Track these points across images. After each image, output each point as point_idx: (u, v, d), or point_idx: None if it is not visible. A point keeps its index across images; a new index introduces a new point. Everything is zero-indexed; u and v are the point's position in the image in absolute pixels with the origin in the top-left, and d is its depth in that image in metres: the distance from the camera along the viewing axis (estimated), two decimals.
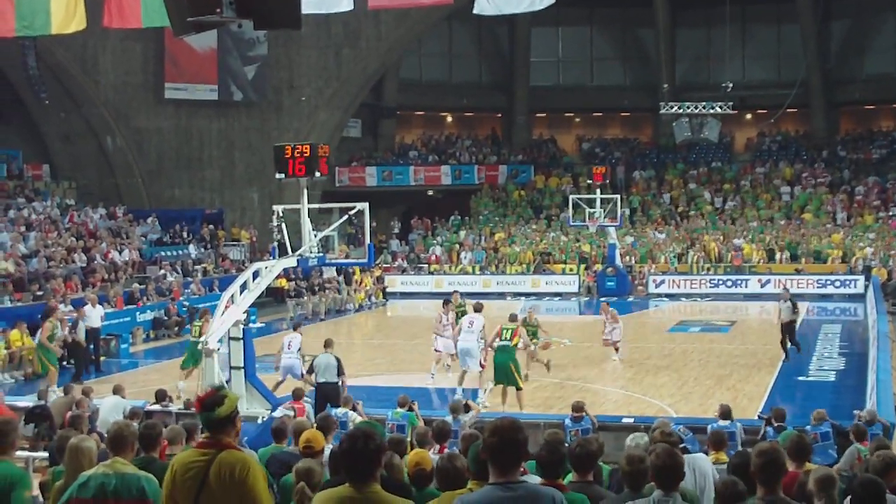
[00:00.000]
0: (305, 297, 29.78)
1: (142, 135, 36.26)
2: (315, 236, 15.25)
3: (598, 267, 34.54)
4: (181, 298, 27.08)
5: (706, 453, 8.32)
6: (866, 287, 29.74)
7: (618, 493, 5.49)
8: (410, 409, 12.29)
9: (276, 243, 15.41)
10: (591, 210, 32.89)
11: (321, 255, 15.69)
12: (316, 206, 19.39)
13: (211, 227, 35.52)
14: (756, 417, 12.83)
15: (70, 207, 32.25)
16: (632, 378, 18.58)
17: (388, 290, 33.90)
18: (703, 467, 7.33)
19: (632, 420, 13.39)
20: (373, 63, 38.56)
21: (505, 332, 15.08)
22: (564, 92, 46.54)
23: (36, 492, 7.28)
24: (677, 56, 45.26)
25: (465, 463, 5.34)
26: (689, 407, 15.63)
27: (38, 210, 30.38)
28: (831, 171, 40.93)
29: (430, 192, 43.97)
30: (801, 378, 18.37)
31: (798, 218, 38.09)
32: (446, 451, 8.31)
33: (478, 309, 16.71)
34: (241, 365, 13.77)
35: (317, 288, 30.43)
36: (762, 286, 32.39)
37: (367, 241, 16.84)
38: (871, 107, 44.19)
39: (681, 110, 37.26)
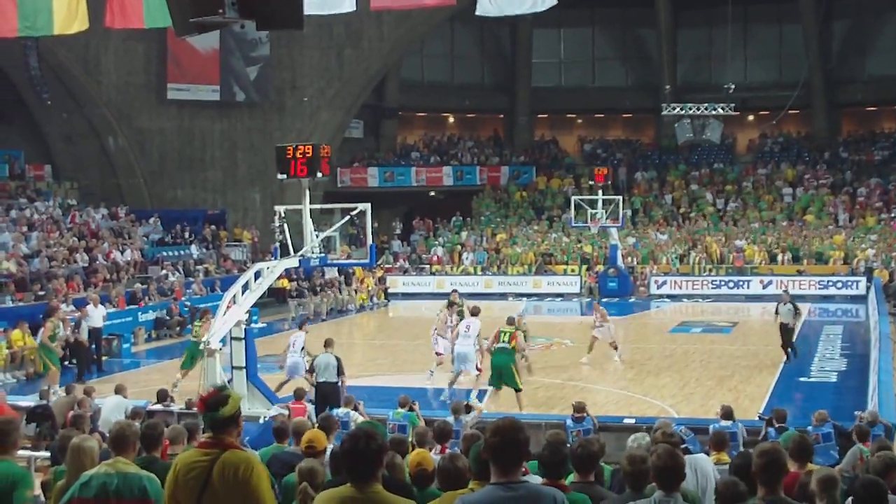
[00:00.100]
0: (307, 298, 29.79)
1: (144, 135, 36.29)
2: (317, 237, 15.28)
3: (600, 268, 34.55)
4: (183, 298, 27.10)
5: (707, 454, 8.32)
6: (868, 288, 29.74)
7: (619, 494, 5.49)
8: (411, 410, 12.30)
9: (277, 244, 15.43)
10: (593, 211, 32.90)
11: (323, 255, 15.72)
12: (318, 206, 19.28)
13: (213, 227, 35.55)
14: (756, 418, 12.82)
15: (72, 207, 32.28)
16: (633, 379, 18.58)
17: (389, 290, 33.92)
18: (705, 468, 7.33)
19: (633, 420, 13.38)
20: (375, 64, 38.58)
21: (502, 335, 15.08)
22: (566, 93, 46.55)
23: (38, 491, 7.27)
24: (679, 57, 45.26)
25: (467, 463, 5.35)
26: (691, 407, 15.63)
27: (40, 210, 30.41)
28: (833, 173, 40.91)
29: (432, 193, 43.98)
30: (802, 379, 18.36)
31: (800, 219, 38.09)
32: (448, 451, 8.32)
33: (475, 313, 16.69)
34: (243, 365, 13.80)
35: (318, 288, 30.45)
36: (764, 287, 32.37)
37: (369, 241, 16.88)
38: (873, 108, 44.16)
39: (682, 111, 37.26)
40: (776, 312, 19.80)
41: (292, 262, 14.89)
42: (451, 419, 11.25)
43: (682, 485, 5.01)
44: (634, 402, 16.19)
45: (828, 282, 32.45)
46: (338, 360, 14.29)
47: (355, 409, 12.26)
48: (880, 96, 42.49)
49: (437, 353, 18.23)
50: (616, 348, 20.04)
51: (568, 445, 6.22)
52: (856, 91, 43.30)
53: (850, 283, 32.22)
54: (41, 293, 23.59)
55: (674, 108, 37.68)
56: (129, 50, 34.76)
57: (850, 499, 4.92)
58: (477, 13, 21.54)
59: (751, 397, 16.27)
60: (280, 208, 15.60)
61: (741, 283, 33.53)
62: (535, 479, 5.13)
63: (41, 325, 18.79)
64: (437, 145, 45.77)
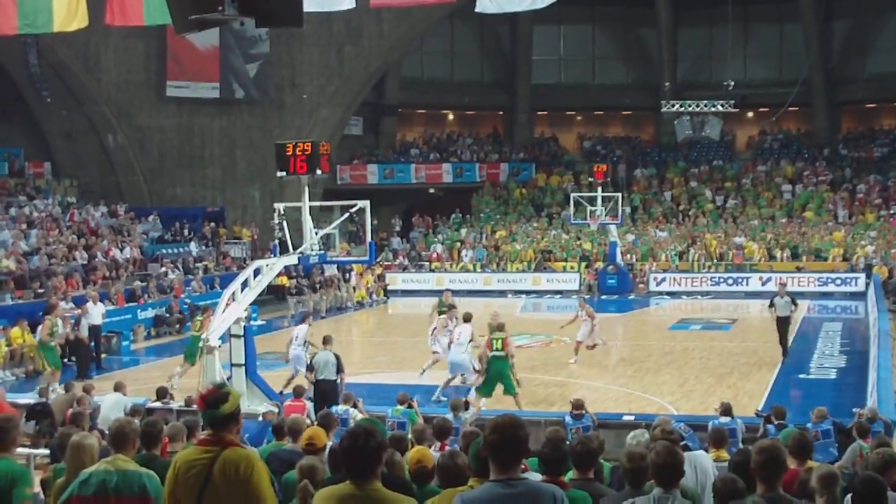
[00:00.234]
0: (307, 295, 29.79)
1: (143, 132, 36.26)
2: (316, 234, 15.29)
3: (600, 265, 34.55)
4: (182, 296, 27.12)
5: (707, 451, 8.32)
6: (867, 285, 29.75)
7: (619, 491, 5.49)
8: (410, 407, 12.31)
9: (277, 241, 15.43)
10: (593, 208, 32.90)
11: (322, 252, 15.73)
12: (317, 203, 19.35)
13: (212, 224, 35.55)
14: (755, 415, 12.83)
15: (71, 205, 32.28)
16: (632, 376, 18.58)
17: (389, 287, 33.91)
18: (704, 465, 7.34)
19: (632, 417, 13.42)
20: (374, 61, 38.55)
21: (494, 342, 15.05)
22: (566, 90, 46.52)
23: (37, 489, 7.28)
24: (679, 55, 45.23)
25: (466, 460, 5.35)
26: (690, 404, 15.64)
27: (39, 208, 30.41)
28: (833, 170, 40.92)
29: (432, 190, 43.97)
30: (801, 376, 18.37)
31: (799, 216, 38.10)
32: (447, 448, 8.32)
33: (467, 319, 16.58)
34: (242, 362, 13.81)
35: (318, 286, 30.45)
36: (763, 284, 32.36)
37: (369, 238, 16.89)
38: (873, 105, 44.13)
39: (682, 108, 37.24)
40: (770, 305, 19.78)
41: (292, 259, 14.91)
42: (450, 416, 11.26)
43: (681, 482, 5.01)
44: (634, 399, 16.20)
45: (827, 278, 32.44)
46: (337, 357, 14.30)
47: (354, 406, 12.27)
48: (880, 94, 42.42)
49: (433, 352, 18.19)
50: (577, 352, 19.54)
51: (567, 442, 6.23)
52: (856, 89, 43.27)
53: (849, 280, 32.21)
54: (40, 291, 23.60)
55: (673, 106, 37.68)
56: (129, 47, 34.74)
57: (849, 495, 4.92)
58: (476, 10, 21.56)
59: (750, 394, 16.27)
60: (279, 205, 15.60)
61: (740, 280, 33.52)
62: (535, 476, 5.13)
63: (41, 323, 18.81)
64: (437, 142, 45.75)
